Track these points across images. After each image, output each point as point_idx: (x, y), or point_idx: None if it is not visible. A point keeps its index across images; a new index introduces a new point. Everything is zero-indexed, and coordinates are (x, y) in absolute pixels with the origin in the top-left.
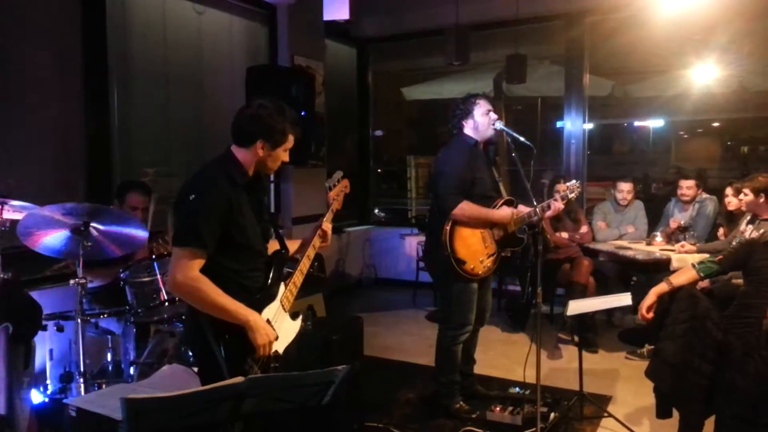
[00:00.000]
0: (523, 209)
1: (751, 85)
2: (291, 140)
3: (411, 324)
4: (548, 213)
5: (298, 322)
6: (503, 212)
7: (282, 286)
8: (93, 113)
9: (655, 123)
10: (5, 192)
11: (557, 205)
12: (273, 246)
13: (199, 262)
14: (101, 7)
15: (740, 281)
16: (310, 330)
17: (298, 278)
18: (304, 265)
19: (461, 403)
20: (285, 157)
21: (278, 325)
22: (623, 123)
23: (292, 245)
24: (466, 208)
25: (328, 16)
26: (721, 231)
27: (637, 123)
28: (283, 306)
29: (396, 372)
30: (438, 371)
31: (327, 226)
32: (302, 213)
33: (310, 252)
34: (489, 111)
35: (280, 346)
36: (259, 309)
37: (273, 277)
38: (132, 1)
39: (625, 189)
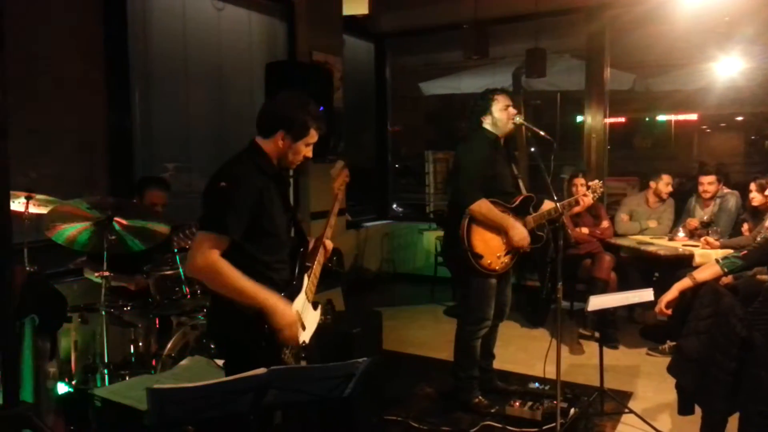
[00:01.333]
0: (546, 204)
1: None
2: (314, 135)
3: (429, 319)
4: (576, 209)
5: (319, 311)
6: (518, 228)
7: (305, 278)
8: (115, 109)
9: (677, 117)
10: (30, 186)
11: (587, 200)
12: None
13: (221, 248)
14: (122, 5)
15: (765, 277)
16: (329, 324)
17: (317, 269)
18: (321, 255)
19: (480, 397)
20: (308, 152)
21: (305, 316)
22: (645, 117)
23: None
24: (483, 206)
25: (347, 11)
26: (745, 226)
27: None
28: (307, 297)
29: (415, 366)
30: (457, 366)
31: (333, 218)
32: (320, 208)
33: (328, 244)
34: (508, 106)
35: (307, 337)
36: (291, 299)
37: (299, 269)
38: None
39: (666, 181)
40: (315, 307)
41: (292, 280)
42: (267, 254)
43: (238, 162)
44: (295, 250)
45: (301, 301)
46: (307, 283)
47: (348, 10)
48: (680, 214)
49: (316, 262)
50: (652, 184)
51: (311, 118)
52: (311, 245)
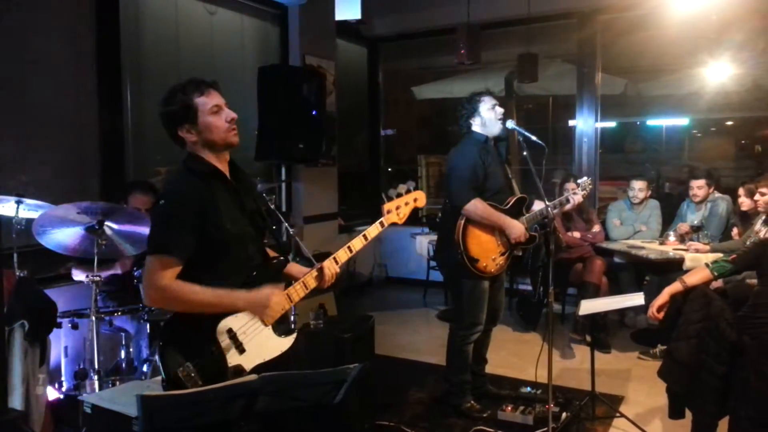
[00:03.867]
0: (538, 204)
1: (766, 83)
2: (205, 101)
3: (422, 323)
4: (568, 206)
5: (289, 340)
6: (515, 225)
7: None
8: (106, 113)
9: (668, 122)
10: (20, 191)
11: (577, 198)
12: (272, 254)
13: (172, 271)
14: (115, 7)
15: (754, 281)
16: (321, 329)
17: (298, 291)
18: (306, 283)
19: (472, 402)
20: (220, 119)
21: (247, 339)
22: (636, 122)
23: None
24: (479, 205)
25: (339, 15)
26: (735, 231)
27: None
28: (263, 320)
29: (407, 371)
30: (449, 371)
31: (331, 268)
32: (313, 212)
33: (309, 279)
34: (494, 105)
35: (247, 362)
36: (219, 316)
37: (249, 284)
38: (145, 1)
39: (637, 187)
40: (283, 333)
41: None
42: (219, 261)
43: (172, 175)
44: (263, 262)
45: (244, 319)
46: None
47: (341, 15)
48: (672, 218)
49: (300, 284)
50: (630, 192)
51: (182, 93)
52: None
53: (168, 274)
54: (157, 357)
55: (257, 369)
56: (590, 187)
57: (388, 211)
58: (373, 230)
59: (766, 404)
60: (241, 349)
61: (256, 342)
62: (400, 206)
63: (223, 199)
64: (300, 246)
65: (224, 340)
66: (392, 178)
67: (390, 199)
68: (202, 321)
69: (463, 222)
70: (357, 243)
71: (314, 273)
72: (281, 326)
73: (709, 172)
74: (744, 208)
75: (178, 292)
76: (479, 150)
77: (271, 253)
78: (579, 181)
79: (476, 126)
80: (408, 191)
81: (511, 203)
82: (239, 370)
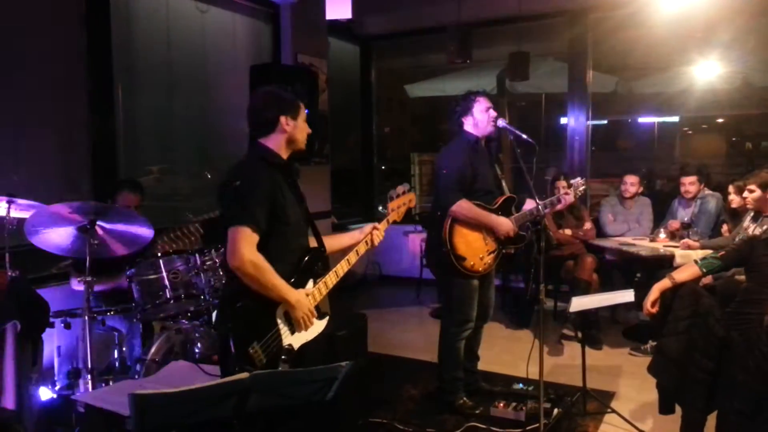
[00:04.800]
0: (528, 206)
1: (755, 81)
2: (304, 109)
3: (415, 321)
4: (559, 206)
5: (324, 322)
6: (502, 222)
7: (311, 283)
8: (97, 112)
9: (659, 119)
10: (12, 190)
11: (569, 198)
12: (312, 242)
13: (255, 241)
14: (105, 6)
15: (743, 278)
16: None
17: (330, 279)
18: (341, 268)
19: (464, 399)
20: (306, 126)
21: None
22: (627, 119)
23: (331, 242)
24: (464, 206)
25: (330, 15)
26: (725, 228)
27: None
28: None
29: (400, 368)
30: (441, 368)
31: (378, 234)
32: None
33: (351, 257)
34: (488, 108)
35: (296, 342)
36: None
37: (300, 271)
38: None
39: (629, 181)
40: (320, 317)
41: (291, 279)
42: (277, 245)
43: (245, 163)
44: (306, 253)
45: None
46: (313, 289)
47: (331, 15)
48: (663, 215)
49: (333, 272)
50: (622, 186)
51: (292, 95)
52: (335, 244)
53: (252, 246)
54: (219, 336)
55: (302, 348)
56: (583, 187)
57: (392, 210)
58: (383, 224)
59: (753, 398)
60: (292, 330)
61: None
62: (400, 206)
63: (286, 189)
64: None
65: (281, 323)
66: (385, 177)
67: (392, 199)
68: (267, 305)
69: (449, 221)
70: (382, 225)
71: (358, 250)
72: (318, 310)
73: (700, 169)
74: (734, 205)
75: (263, 269)
76: (469, 151)
77: (312, 242)
78: (572, 181)
79: (468, 126)
80: (403, 193)
81: (499, 203)
82: (290, 350)
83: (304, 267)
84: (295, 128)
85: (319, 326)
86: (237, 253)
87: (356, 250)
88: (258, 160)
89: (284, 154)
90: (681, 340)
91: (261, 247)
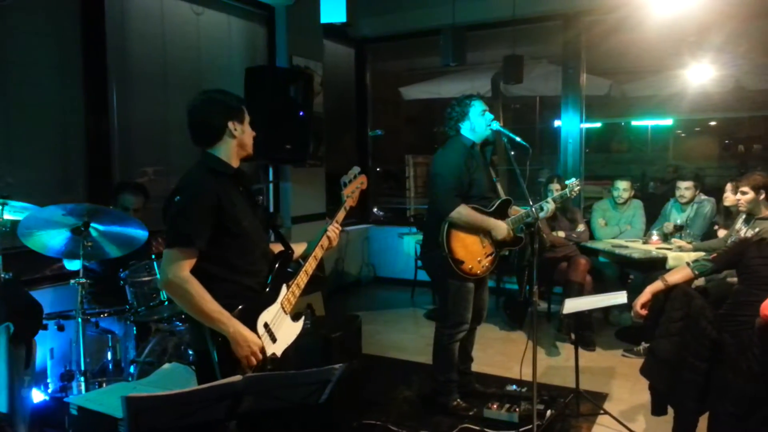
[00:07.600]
0: (520, 210)
1: (747, 84)
2: (246, 113)
3: (409, 322)
4: (541, 214)
5: (300, 323)
6: (500, 225)
7: (284, 288)
8: (92, 113)
9: (653, 122)
10: (6, 192)
11: (550, 207)
12: (276, 248)
13: (189, 262)
14: (100, 7)
15: (735, 280)
16: (309, 329)
17: (302, 279)
18: (310, 266)
19: (458, 400)
20: (251, 130)
21: (277, 328)
22: (621, 122)
23: (298, 248)
24: (463, 212)
25: (325, 19)
26: (721, 232)
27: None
28: (283, 308)
29: (394, 370)
30: (436, 369)
31: (333, 229)
32: (301, 212)
33: (317, 252)
34: (485, 111)
35: (278, 349)
36: (258, 311)
37: (273, 278)
38: (131, 1)
39: (621, 187)
40: (296, 319)
41: (265, 288)
42: (237, 258)
43: (190, 173)
44: (275, 259)
45: (273, 312)
46: (286, 293)
47: (326, 18)
48: (656, 218)
49: (302, 272)
50: (614, 193)
51: (236, 98)
52: (302, 249)
53: (187, 266)
54: (212, 354)
55: (283, 353)
56: (578, 188)
57: (347, 196)
58: (341, 213)
59: (745, 400)
60: (273, 338)
61: (282, 330)
62: (354, 190)
63: (237, 198)
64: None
65: (262, 333)
66: (380, 178)
67: (345, 185)
68: (246, 318)
69: (447, 226)
70: (340, 216)
71: (322, 245)
72: (294, 313)
73: (697, 174)
74: (727, 203)
75: (192, 290)
76: (465, 155)
77: (276, 247)
78: (567, 182)
79: (465, 130)
80: (355, 177)
81: (495, 206)
82: (274, 358)
83: (276, 273)
84: (244, 133)
85: (295, 329)
86: (162, 274)
87: (320, 245)
88: (205, 172)
89: (235, 162)
90: (673, 342)
91: (221, 263)
